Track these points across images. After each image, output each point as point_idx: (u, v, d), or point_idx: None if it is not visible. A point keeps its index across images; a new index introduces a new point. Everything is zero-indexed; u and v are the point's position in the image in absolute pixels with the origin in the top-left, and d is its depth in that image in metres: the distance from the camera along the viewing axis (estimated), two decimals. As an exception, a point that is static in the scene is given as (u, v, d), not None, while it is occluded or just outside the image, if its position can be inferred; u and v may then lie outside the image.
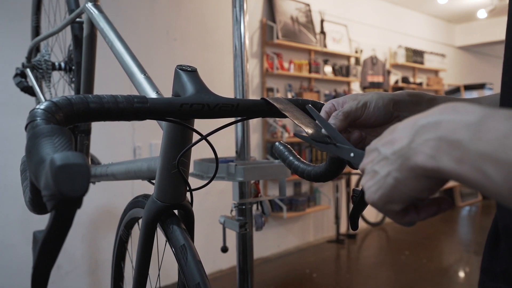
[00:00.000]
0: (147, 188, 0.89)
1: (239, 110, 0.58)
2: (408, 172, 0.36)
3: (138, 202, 0.85)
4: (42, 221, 2.43)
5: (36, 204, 0.45)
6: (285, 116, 0.61)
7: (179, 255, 0.66)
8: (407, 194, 0.37)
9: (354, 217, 0.57)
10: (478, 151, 0.29)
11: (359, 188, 0.48)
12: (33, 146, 0.37)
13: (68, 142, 0.38)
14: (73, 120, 0.47)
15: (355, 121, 0.56)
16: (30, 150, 0.37)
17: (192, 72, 0.60)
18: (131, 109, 0.51)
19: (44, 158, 0.34)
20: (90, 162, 1.37)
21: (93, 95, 0.50)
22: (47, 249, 0.35)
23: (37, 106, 0.44)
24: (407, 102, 0.56)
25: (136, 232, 1.01)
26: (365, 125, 0.56)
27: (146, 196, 0.82)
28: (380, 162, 0.39)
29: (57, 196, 0.31)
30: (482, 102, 0.60)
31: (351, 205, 0.58)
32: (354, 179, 4.61)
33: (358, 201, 0.55)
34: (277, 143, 0.71)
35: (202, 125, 0.68)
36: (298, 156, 0.68)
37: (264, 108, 0.61)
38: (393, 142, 0.37)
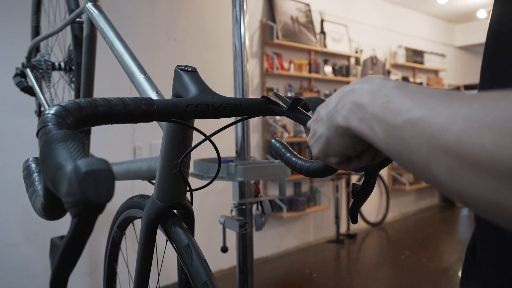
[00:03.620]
0: (147, 188, 0.89)
1: (242, 109, 0.59)
2: (334, 131, 0.42)
3: (133, 202, 0.85)
4: (42, 222, 2.43)
5: (51, 210, 0.45)
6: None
7: (184, 255, 0.66)
8: (337, 150, 0.44)
9: (354, 211, 0.58)
10: (371, 112, 0.36)
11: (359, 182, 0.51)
12: (48, 152, 0.37)
13: (82, 146, 0.38)
14: (83, 123, 0.47)
15: None
16: (45, 156, 0.37)
17: (193, 73, 0.60)
18: (139, 111, 0.51)
19: (62, 164, 0.34)
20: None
21: (100, 98, 0.50)
22: (68, 255, 0.35)
23: (47, 111, 0.44)
24: None
25: (129, 234, 1.01)
26: None
27: (142, 197, 0.82)
28: (318, 123, 0.45)
29: (82, 203, 0.31)
30: None
31: (351, 204, 0.58)
32: (354, 179, 4.61)
33: (357, 195, 0.56)
34: (273, 140, 0.71)
35: (201, 125, 0.68)
36: (295, 153, 0.68)
37: (266, 107, 0.61)
38: (327, 105, 0.44)
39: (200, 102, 0.55)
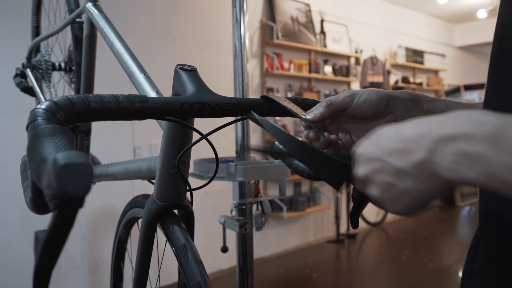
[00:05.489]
0: (147, 188, 0.89)
1: (240, 109, 0.58)
2: (433, 183, 0.37)
3: (137, 202, 0.85)
4: (42, 221, 2.42)
5: (38, 204, 0.45)
6: (285, 115, 0.61)
7: (180, 255, 0.66)
8: (428, 200, 0.39)
9: (354, 216, 0.57)
10: (501, 163, 0.31)
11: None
12: (35, 146, 0.37)
13: (69, 141, 0.38)
14: (74, 119, 0.47)
15: (343, 111, 0.56)
16: (32, 150, 0.37)
17: (192, 72, 0.60)
18: (132, 108, 0.51)
19: (46, 157, 0.34)
20: (90, 162, 1.37)
21: (94, 94, 0.50)
22: (49, 249, 0.35)
23: (38, 106, 0.44)
24: (405, 100, 0.56)
25: (135, 232, 1.01)
26: (355, 115, 0.56)
27: (145, 196, 0.82)
28: (396, 174, 0.38)
29: (59, 196, 0.31)
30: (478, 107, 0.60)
31: (351, 205, 0.58)
32: (354, 179, 4.60)
33: (358, 199, 0.55)
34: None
35: (202, 124, 0.68)
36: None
37: (265, 107, 0.60)
38: (405, 153, 0.37)
39: (196, 101, 0.55)
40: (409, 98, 0.56)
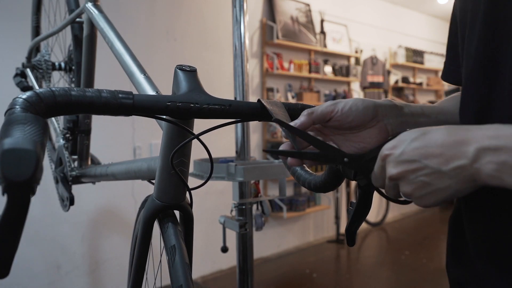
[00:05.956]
0: (147, 188, 0.89)
1: (231, 112, 0.57)
2: (470, 184, 0.41)
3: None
4: (42, 222, 2.43)
5: None
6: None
7: (168, 256, 0.66)
8: (458, 196, 0.43)
9: (350, 232, 0.56)
10: None
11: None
12: (4, 132, 0.37)
13: (39, 131, 0.38)
14: (55, 111, 0.47)
15: (328, 121, 0.55)
16: (1, 136, 0.37)
17: (190, 72, 0.59)
18: (115, 103, 0.50)
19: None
20: (90, 162, 1.37)
21: (78, 88, 0.50)
22: (4, 234, 0.35)
23: (20, 95, 0.44)
24: (392, 107, 0.57)
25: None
26: (341, 125, 0.55)
27: None
28: (433, 175, 0.42)
29: (3, 180, 0.32)
30: (452, 102, 0.63)
31: (348, 223, 0.56)
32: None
33: (353, 214, 0.54)
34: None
35: (205, 125, 0.67)
36: (303, 164, 0.67)
37: (259, 112, 0.59)
38: (446, 158, 0.41)
39: (183, 100, 0.54)
40: (394, 105, 0.57)
